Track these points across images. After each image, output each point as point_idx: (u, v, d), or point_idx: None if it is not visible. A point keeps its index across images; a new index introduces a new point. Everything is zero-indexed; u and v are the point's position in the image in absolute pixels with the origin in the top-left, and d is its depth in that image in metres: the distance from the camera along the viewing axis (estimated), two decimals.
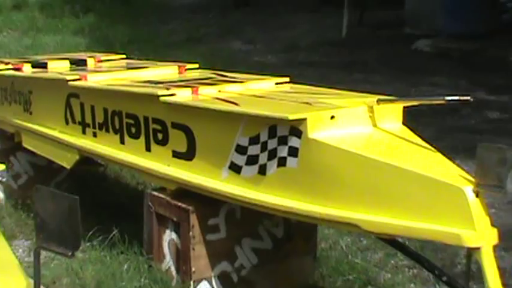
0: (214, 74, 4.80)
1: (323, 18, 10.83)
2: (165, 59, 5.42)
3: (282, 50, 9.58)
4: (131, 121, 4.51)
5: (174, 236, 4.30)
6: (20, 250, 4.64)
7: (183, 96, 4.26)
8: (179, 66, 5.05)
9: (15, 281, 2.76)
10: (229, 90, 4.36)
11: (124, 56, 5.75)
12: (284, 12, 11.70)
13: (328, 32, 10.32)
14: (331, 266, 4.49)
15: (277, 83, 4.49)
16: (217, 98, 4.20)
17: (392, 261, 4.53)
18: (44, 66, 5.39)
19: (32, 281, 2.69)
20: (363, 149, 3.60)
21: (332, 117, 3.68)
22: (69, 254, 2.62)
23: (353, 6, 10.26)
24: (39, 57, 5.74)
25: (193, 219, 4.13)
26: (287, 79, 4.53)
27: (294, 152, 3.73)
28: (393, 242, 4.04)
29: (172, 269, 4.32)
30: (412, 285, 4.37)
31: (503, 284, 3.32)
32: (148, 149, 4.43)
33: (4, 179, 5.13)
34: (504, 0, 9.94)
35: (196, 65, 5.09)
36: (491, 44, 9.12)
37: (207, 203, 4.14)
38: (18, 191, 5.45)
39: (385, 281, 4.40)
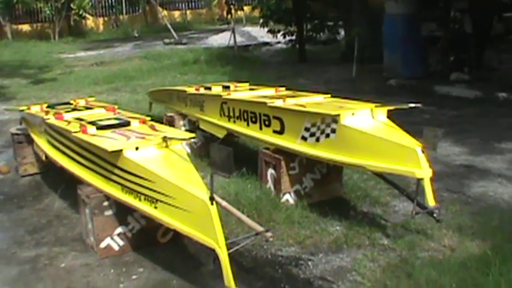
0: (293, 93, 4.72)
1: (343, 67, 10.65)
2: (268, 85, 5.32)
3: (324, 83, 9.46)
4: (252, 115, 4.47)
5: (273, 171, 4.23)
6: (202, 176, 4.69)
7: (278, 103, 4.21)
8: (275, 89, 4.98)
9: (200, 189, 2.77)
10: (301, 100, 4.29)
11: (248, 84, 5.65)
12: (324, 65, 11.56)
13: (345, 74, 10.16)
14: (349, 187, 4.39)
15: (324, 97, 4.41)
16: (295, 104, 4.15)
17: (379, 185, 4.40)
18: (209, 88, 5.36)
19: (208, 191, 2.71)
20: (368, 129, 3.52)
21: (353, 113, 3.61)
22: (227, 176, 2.64)
23: (358, 61, 10.10)
24: (207, 85, 5.64)
25: (282, 163, 4.08)
26: (329, 95, 4.45)
27: (333, 130, 3.66)
28: (380, 175, 3.98)
29: (272, 187, 4.25)
30: (388, 197, 4.25)
31: (434, 198, 3.29)
32: (261, 129, 4.38)
33: (193, 140, 5.10)
34: (431, 61, 9.69)
35: (284, 88, 5.01)
36: (424, 81, 8.90)
37: (289, 155, 4.08)
38: (196, 149, 5.47)
39: (375, 195, 4.29)
